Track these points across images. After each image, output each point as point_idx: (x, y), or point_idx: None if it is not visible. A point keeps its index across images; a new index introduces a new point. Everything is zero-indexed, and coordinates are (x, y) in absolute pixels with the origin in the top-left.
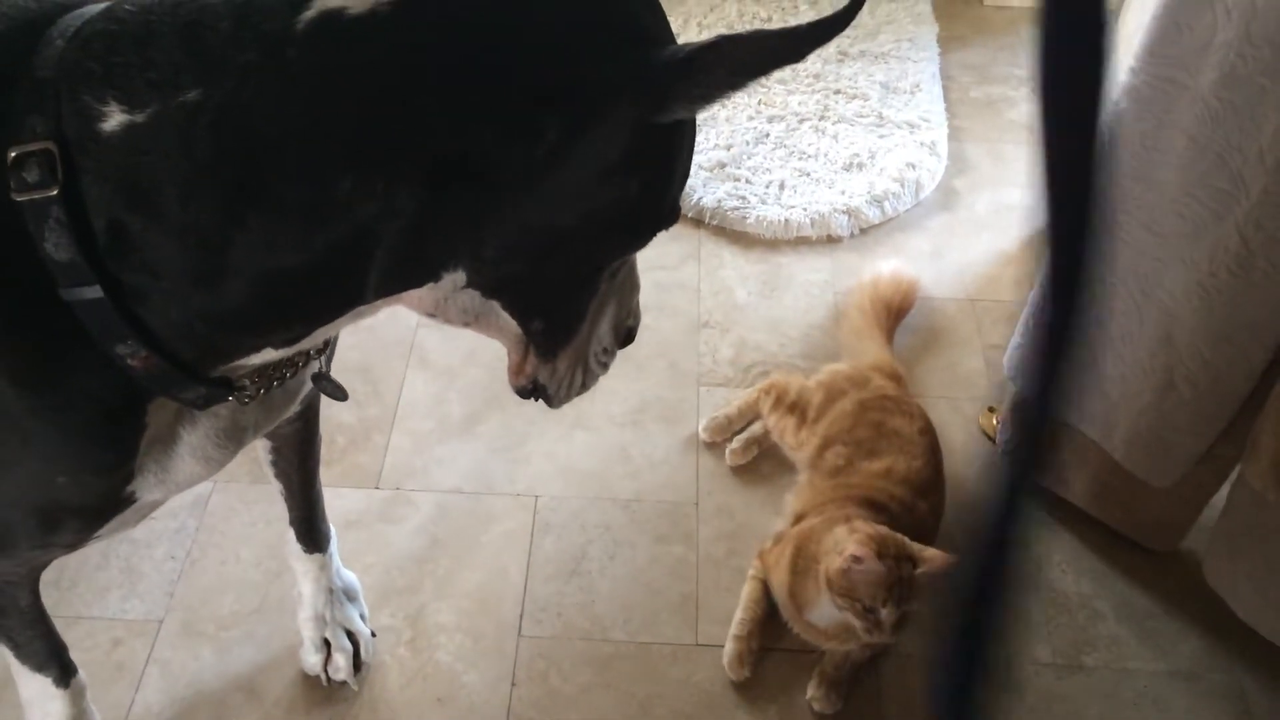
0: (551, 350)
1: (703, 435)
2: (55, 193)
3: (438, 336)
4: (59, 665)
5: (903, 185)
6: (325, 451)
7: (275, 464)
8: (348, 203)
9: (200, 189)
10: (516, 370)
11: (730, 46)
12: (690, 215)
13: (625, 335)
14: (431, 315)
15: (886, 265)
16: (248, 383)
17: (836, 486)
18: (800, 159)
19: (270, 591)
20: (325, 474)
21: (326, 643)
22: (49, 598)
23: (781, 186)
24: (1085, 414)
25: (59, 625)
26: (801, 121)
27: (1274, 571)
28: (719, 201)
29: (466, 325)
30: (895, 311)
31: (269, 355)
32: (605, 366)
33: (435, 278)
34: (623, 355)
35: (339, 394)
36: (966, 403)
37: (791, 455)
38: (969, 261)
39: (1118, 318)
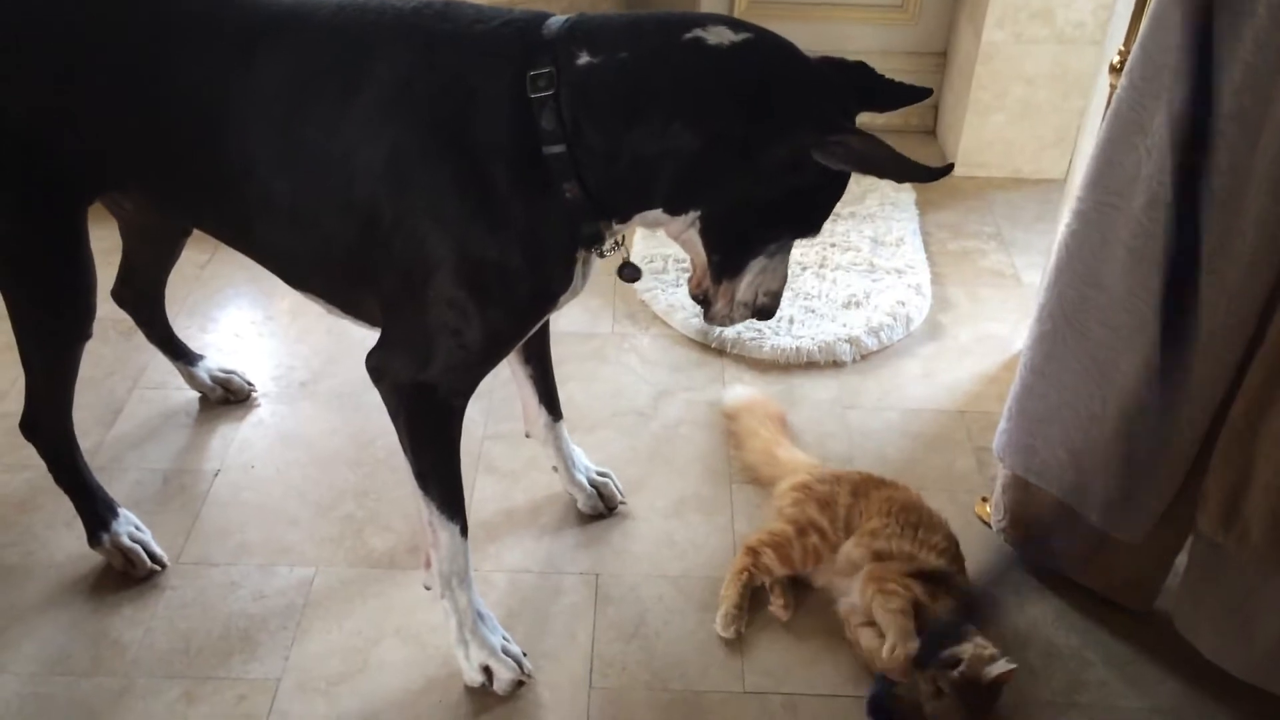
0: (718, 278)
1: (723, 634)
2: (552, 94)
3: (501, 446)
4: (463, 516)
5: (895, 319)
6: (407, 544)
7: (528, 344)
8: (672, 134)
9: (614, 104)
10: (696, 283)
11: (869, 143)
12: (714, 345)
13: (761, 309)
14: (675, 238)
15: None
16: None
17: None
18: (805, 299)
19: (370, 655)
20: (408, 562)
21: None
22: (177, 662)
23: (791, 321)
24: (1065, 485)
25: (189, 683)
26: (804, 269)
27: (1230, 612)
28: (738, 333)
29: (683, 246)
30: (781, 425)
31: (614, 227)
32: (743, 318)
33: (685, 211)
34: (664, 458)
35: (636, 275)
36: (963, 494)
37: (827, 576)
38: (956, 380)
39: (1085, 401)
